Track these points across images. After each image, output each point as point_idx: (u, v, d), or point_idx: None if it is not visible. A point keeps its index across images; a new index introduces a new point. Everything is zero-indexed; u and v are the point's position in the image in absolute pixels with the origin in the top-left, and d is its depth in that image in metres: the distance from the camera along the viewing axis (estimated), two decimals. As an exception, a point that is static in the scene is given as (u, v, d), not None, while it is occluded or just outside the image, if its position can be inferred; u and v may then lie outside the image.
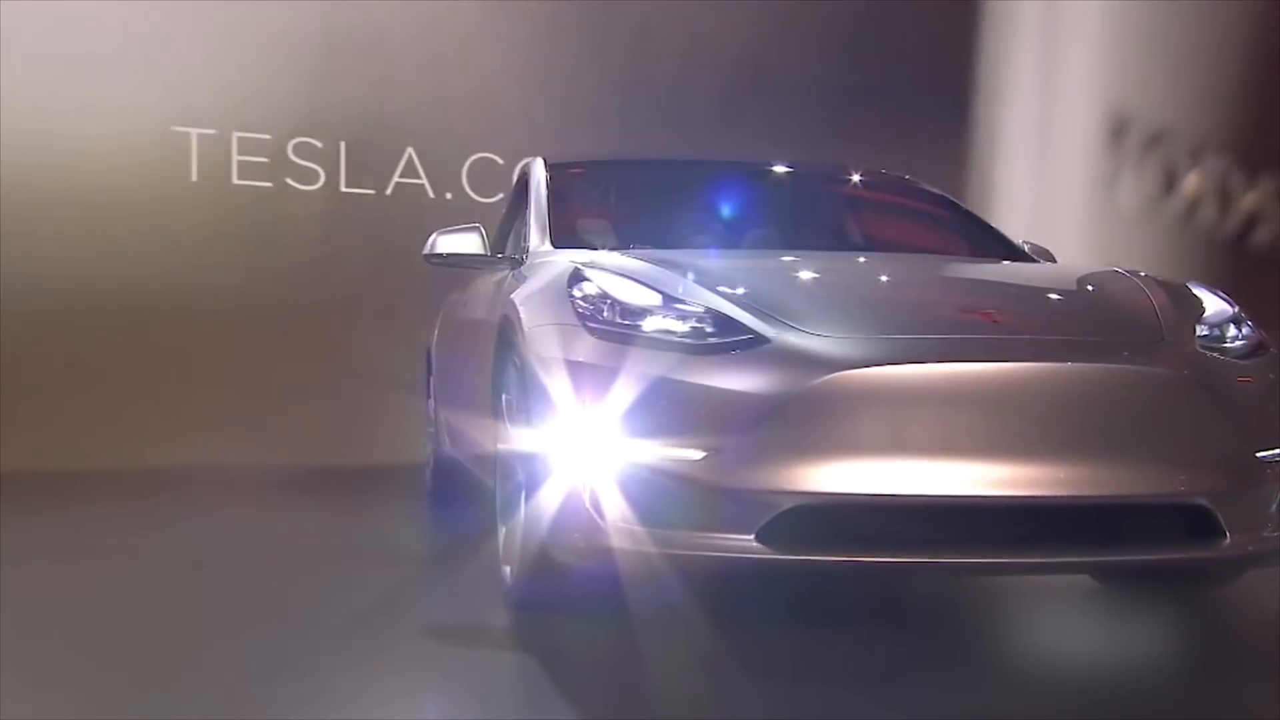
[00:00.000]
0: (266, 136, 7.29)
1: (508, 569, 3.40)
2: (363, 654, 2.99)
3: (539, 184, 4.27)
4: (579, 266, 3.23)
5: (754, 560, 2.81)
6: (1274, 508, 3.05)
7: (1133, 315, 3.17)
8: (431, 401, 5.67)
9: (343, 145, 7.44)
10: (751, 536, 2.79)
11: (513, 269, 3.97)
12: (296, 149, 7.35)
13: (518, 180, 5.08)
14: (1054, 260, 4.24)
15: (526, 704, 2.70)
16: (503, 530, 3.51)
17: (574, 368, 2.98)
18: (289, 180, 7.34)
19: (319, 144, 7.40)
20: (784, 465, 2.78)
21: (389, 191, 7.55)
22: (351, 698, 2.65)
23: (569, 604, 3.19)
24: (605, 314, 3.04)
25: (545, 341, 3.10)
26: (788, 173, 4.67)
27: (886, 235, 4.48)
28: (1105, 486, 2.85)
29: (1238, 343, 3.15)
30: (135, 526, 5.03)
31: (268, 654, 2.97)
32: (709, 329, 2.94)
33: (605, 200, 4.50)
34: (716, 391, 2.84)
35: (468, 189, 7.67)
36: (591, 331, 3.01)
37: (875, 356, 2.82)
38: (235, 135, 7.23)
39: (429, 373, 5.81)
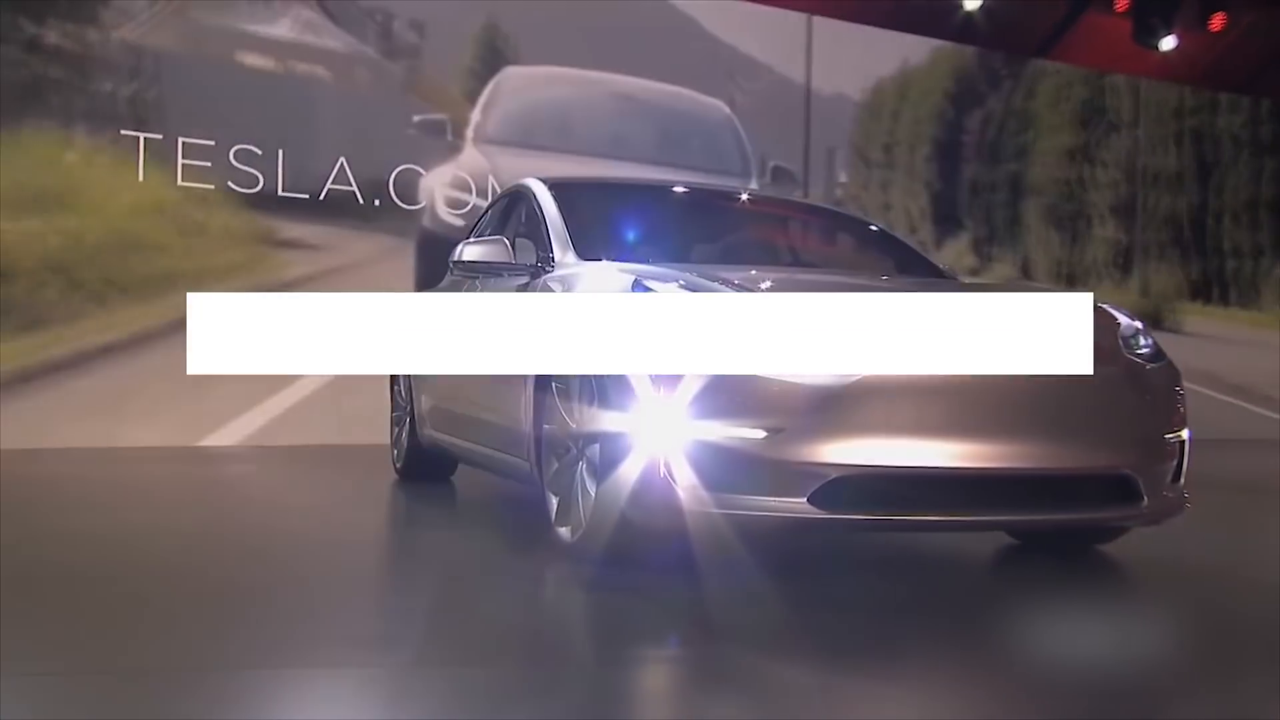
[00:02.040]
0: (210, 142, 7.25)
1: (563, 530, 3.69)
2: (489, 590, 3.36)
3: (548, 202, 4.55)
4: (638, 277, 3.56)
5: (806, 519, 3.23)
6: (1169, 477, 3.67)
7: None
8: (401, 388, 5.80)
9: (281, 153, 7.46)
10: (804, 499, 3.20)
11: (533, 276, 4.25)
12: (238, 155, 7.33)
13: (505, 197, 5.30)
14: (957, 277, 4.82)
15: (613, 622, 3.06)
16: (554, 498, 3.78)
17: (651, 360, 3.32)
18: (231, 184, 7.31)
19: (259, 151, 7.40)
20: (831, 443, 3.20)
21: (322, 197, 7.60)
22: (513, 611, 3.05)
23: (638, 558, 3.50)
24: (673, 318, 3.38)
25: (623, 340, 3.40)
26: (752, 196, 5.10)
27: (851, 256, 4.97)
28: (1064, 460, 3.41)
29: (1145, 350, 3.74)
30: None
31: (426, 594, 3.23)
32: (764, 333, 3.31)
33: (603, 216, 4.76)
34: (777, 383, 3.23)
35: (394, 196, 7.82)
36: None
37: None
38: (180, 140, 7.17)
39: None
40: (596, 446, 3.52)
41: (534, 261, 4.37)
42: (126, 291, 6.77)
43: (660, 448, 3.28)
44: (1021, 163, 9.20)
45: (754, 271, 4.03)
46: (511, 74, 8.39)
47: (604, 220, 4.74)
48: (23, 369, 6.51)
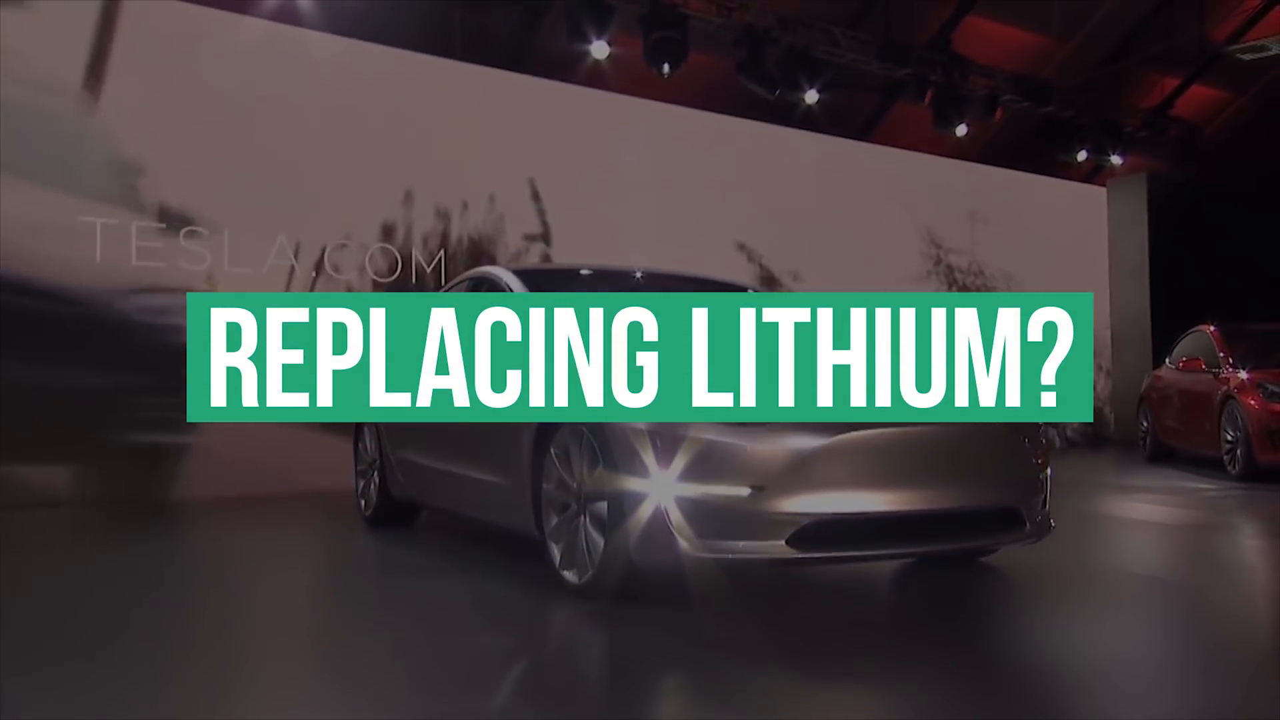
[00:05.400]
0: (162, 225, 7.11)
1: (569, 573, 3.88)
2: (530, 614, 3.68)
3: (520, 288, 4.74)
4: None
5: (784, 558, 3.53)
6: (1041, 505, 4.13)
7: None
8: (367, 444, 5.81)
9: (226, 233, 7.36)
10: (783, 542, 3.52)
11: (516, 351, 4.42)
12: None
13: (466, 280, 5.43)
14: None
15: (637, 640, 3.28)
16: (556, 547, 3.97)
17: (653, 433, 3.57)
18: (181, 263, 7.18)
19: (206, 233, 7.28)
20: (801, 496, 3.53)
21: (264, 271, 7.52)
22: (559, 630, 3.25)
23: (642, 596, 3.73)
24: (664, 395, 3.64)
25: (623, 416, 3.65)
26: (678, 275, 5.45)
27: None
28: (972, 501, 3.85)
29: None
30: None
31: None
32: (747, 407, 3.62)
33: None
34: (755, 449, 3.53)
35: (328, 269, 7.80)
36: None
37: (845, 425, 3.61)
38: (135, 225, 7.01)
39: (361, 424, 5.93)
40: (603, 504, 3.73)
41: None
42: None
43: (662, 505, 3.54)
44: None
45: None
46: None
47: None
48: None
